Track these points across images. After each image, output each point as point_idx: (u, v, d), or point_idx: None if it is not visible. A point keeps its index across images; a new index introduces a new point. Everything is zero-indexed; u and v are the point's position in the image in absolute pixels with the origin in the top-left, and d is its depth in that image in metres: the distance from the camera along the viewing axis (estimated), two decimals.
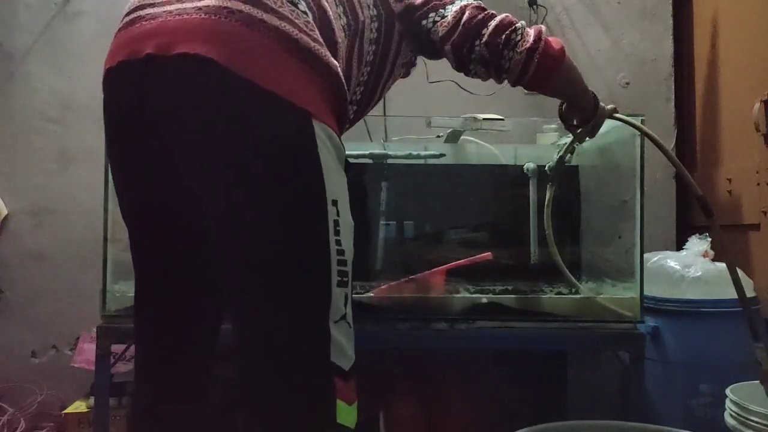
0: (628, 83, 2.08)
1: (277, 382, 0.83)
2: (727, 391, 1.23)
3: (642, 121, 1.30)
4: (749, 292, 1.51)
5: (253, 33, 0.83)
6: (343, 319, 0.86)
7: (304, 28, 0.87)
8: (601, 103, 1.22)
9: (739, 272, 1.50)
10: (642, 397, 1.50)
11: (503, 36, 1.04)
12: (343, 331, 0.85)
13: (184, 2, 0.86)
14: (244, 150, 0.82)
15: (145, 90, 0.85)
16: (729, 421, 1.21)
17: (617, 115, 1.25)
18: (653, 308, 1.53)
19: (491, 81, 1.14)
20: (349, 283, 0.88)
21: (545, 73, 1.07)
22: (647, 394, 1.52)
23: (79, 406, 1.80)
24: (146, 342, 0.99)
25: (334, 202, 0.86)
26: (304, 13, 0.89)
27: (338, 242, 0.85)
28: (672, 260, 1.60)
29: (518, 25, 1.06)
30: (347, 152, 0.92)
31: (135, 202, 0.96)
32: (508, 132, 1.62)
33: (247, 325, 0.86)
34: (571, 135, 1.29)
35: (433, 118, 1.64)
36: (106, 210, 1.39)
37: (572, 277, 1.49)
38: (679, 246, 1.74)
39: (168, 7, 0.87)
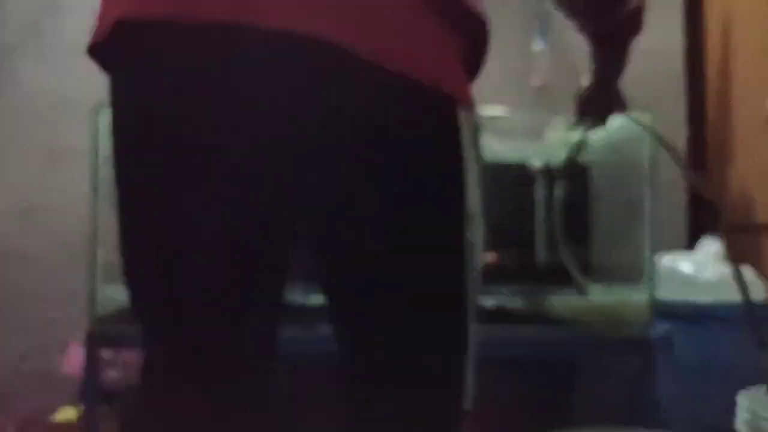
0: (638, 79, 2.05)
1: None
2: (739, 397, 1.19)
3: (652, 119, 1.28)
4: (762, 295, 1.49)
5: None
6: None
7: None
8: None
9: (752, 274, 1.49)
10: (652, 403, 1.48)
11: None
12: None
13: None
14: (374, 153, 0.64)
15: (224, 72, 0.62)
16: (741, 428, 1.16)
17: (627, 115, 1.23)
18: (664, 312, 1.50)
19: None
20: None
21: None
22: (657, 399, 1.49)
23: (68, 413, 1.77)
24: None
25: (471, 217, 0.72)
26: None
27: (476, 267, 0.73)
28: (684, 262, 1.57)
29: None
30: None
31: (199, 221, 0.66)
32: (513, 128, 1.59)
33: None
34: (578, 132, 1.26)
35: None
36: (94, 209, 1.36)
37: (581, 279, 1.47)
38: (690, 247, 1.72)
39: None
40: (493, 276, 1.53)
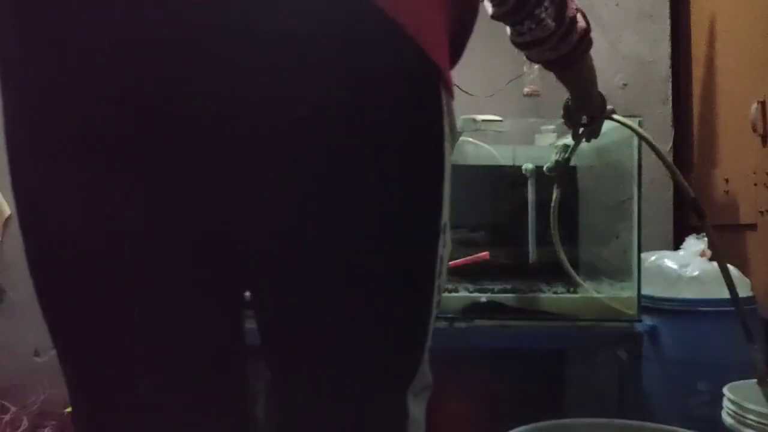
0: (625, 85, 2.09)
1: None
2: (725, 390, 1.24)
3: (639, 123, 1.31)
4: (746, 292, 1.53)
5: None
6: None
7: None
8: None
9: (736, 272, 1.52)
10: (640, 395, 1.52)
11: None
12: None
13: None
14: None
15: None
16: (726, 419, 1.22)
17: (614, 116, 1.26)
18: (651, 307, 1.54)
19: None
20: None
21: (587, 49, 0.93)
22: (645, 392, 1.53)
23: None
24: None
25: (444, 227, 0.62)
26: None
27: (439, 288, 0.63)
28: (669, 260, 1.61)
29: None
30: None
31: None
32: (506, 133, 1.63)
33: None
34: (571, 135, 1.30)
35: None
36: None
37: (577, 277, 1.50)
38: (677, 246, 1.75)
39: None
40: (487, 272, 1.58)
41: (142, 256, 0.56)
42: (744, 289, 1.52)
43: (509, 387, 1.65)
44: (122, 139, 0.53)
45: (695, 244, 1.61)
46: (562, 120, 1.20)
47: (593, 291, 1.51)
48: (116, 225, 0.55)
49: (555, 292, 1.50)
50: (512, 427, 1.21)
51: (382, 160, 0.56)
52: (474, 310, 1.42)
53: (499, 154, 1.68)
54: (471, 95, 1.49)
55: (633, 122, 1.29)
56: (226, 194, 0.56)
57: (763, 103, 1.61)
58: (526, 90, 1.92)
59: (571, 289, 1.52)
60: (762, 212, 1.64)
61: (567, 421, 1.29)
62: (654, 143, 1.23)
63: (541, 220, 1.55)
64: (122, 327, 0.57)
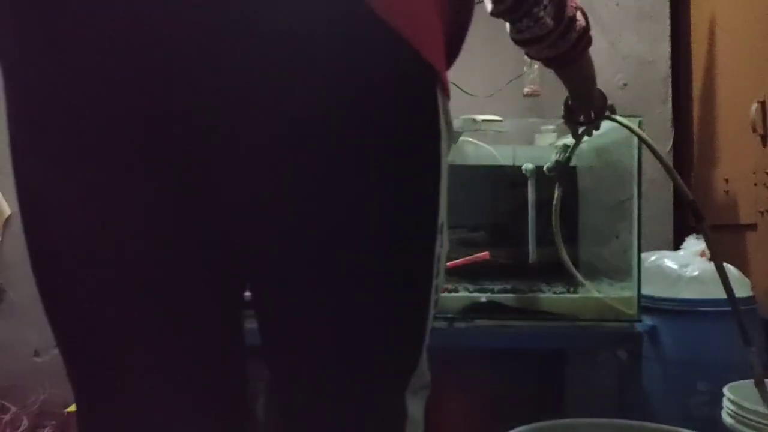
0: (625, 85, 2.10)
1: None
2: (725, 390, 1.24)
3: (639, 123, 1.31)
4: (746, 292, 1.53)
5: None
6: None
7: None
8: None
9: (736, 272, 1.52)
10: (640, 395, 1.52)
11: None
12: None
13: None
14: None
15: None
16: (726, 419, 1.22)
17: (613, 116, 1.26)
18: (651, 307, 1.54)
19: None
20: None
21: (586, 47, 0.93)
22: (645, 392, 1.53)
23: None
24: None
25: (442, 227, 0.62)
26: None
27: (437, 287, 0.63)
28: (669, 260, 1.61)
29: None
30: None
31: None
32: (506, 133, 1.63)
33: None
34: (570, 135, 1.30)
35: None
36: None
37: (579, 276, 1.50)
38: (677, 246, 1.75)
39: None
40: (487, 272, 1.58)
41: (143, 255, 0.56)
42: (744, 289, 1.53)
43: (509, 387, 1.65)
44: (122, 139, 0.53)
45: (695, 244, 1.61)
46: (562, 120, 1.20)
47: (594, 290, 1.51)
48: (117, 224, 0.55)
49: (555, 292, 1.50)
50: (512, 427, 1.21)
51: (378, 161, 0.56)
52: (474, 310, 1.42)
53: (499, 154, 1.68)
54: (471, 95, 1.49)
55: (633, 123, 1.29)
56: (225, 194, 0.56)
57: (763, 103, 1.61)
58: (526, 90, 1.92)
59: (571, 289, 1.52)
60: (762, 212, 1.64)
61: (567, 421, 1.29)
62: (653, 144, 1.23)
63: (541, 220, 1.55)
64: (122, 327, 0.58)
